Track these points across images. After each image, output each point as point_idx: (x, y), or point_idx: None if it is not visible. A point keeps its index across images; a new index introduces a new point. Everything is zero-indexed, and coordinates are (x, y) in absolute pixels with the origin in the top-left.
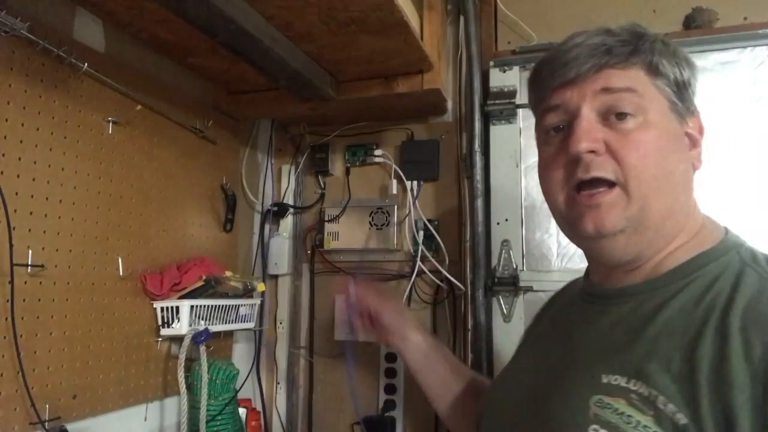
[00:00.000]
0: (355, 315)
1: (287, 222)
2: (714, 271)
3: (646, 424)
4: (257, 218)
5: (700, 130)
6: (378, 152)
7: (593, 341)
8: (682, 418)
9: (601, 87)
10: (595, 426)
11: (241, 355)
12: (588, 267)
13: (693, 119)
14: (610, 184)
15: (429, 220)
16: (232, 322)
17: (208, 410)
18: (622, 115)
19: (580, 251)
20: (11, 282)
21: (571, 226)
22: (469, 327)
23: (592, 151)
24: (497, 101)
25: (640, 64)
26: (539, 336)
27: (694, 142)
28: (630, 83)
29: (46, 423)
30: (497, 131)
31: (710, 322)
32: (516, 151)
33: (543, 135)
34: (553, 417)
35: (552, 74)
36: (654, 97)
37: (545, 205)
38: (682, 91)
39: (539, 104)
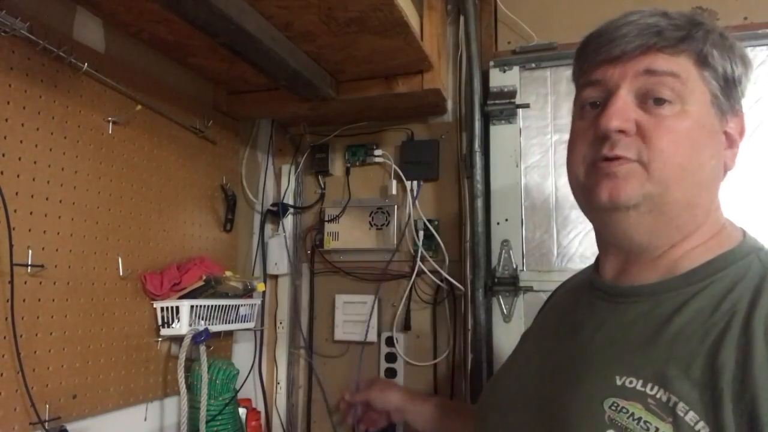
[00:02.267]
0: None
1: (287, 222)
2: (733, 275)
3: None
4: (257, 218)
5: (741, 132)
6: (378, 152)
7: (605, 340)
8: (703, 427)
9: (644, 68)
10: (611, 430)
11: (241, 355)
12: (598, 260)
13: (736, 119)
14: (631, 160)
15: (429, 220)
16: (232, 322)
17: (208, 410)
18: (660, 101)
19: (580, 251)
20: (11, 282)
21: (587, 195)
22: (469, 327)
23: (622, 131)
24: (497, 101)
25: (689, 51)
26: (542, 330)
27: (731, 143)
28: (675, 68)
29: (46, 423)
30: (497, 131)
31: (732, 329)
32: (516, 151)
33: (578, 109)
34: (563, 418)
35: (598, 49)
36: (697, 87)
37: (545, 205)
38: (729, 87)
39: (580, 77)
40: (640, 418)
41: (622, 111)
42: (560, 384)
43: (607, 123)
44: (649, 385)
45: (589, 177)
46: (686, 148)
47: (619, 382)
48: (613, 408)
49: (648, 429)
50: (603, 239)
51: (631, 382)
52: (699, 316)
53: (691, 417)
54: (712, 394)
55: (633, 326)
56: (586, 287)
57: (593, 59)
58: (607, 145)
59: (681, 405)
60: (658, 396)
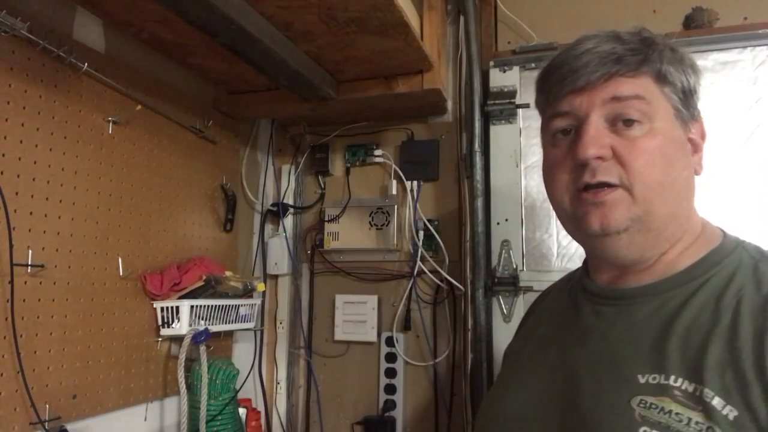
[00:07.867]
0: None
1: (287, 222)
2: (728, 267)
3: (698, 420)
4: (257, 218)
5: (702, 135)
6: (378, 152)
7: (619, 342)
8: (732, 411)
9: (611, 96)
10: (644, 428)
11: (241, 355)
12: (588, 267)
13: (696, 125)
14: (615, 186)
15: (429, 220)
16: (232, 322)
17: (208, 410)
18: (629, 122)
19: (580, 251)
20: (11, 282)
21: (576, 224)
22: (469, 327)
23: (600, 158)
24: (497, 101)
25: (649, 72)
26: (539, 343)
27: (695, 147)
28: (639, 91)
29: (46, 423)
30: (497, 131)
31: (742, 314)
32: (516, 151)
33: (550, 137)
34: (594, 424)
35: (562, 81)
36: (661, 104)
37: (545, 205)
38: (687, 97)
39: (547, 108)
40: (670, 411)
41: (597, 138)
42: (580, 392)
43: (584, 152)
44: (672, 378)
45: (575, 207)
46: (661, 165)
47: (642, 380)
48: (642, 405)
49: (681, 420)
50: (594, 257)
51: (654, 378)
52: (706, 307)
53: (717, 402)
54: (734, 376)
55: (645, 325)
56: (579, 294)
57: (558, 91)
58: (588, 173)
59: (707, 392)
60: (683, 387)
